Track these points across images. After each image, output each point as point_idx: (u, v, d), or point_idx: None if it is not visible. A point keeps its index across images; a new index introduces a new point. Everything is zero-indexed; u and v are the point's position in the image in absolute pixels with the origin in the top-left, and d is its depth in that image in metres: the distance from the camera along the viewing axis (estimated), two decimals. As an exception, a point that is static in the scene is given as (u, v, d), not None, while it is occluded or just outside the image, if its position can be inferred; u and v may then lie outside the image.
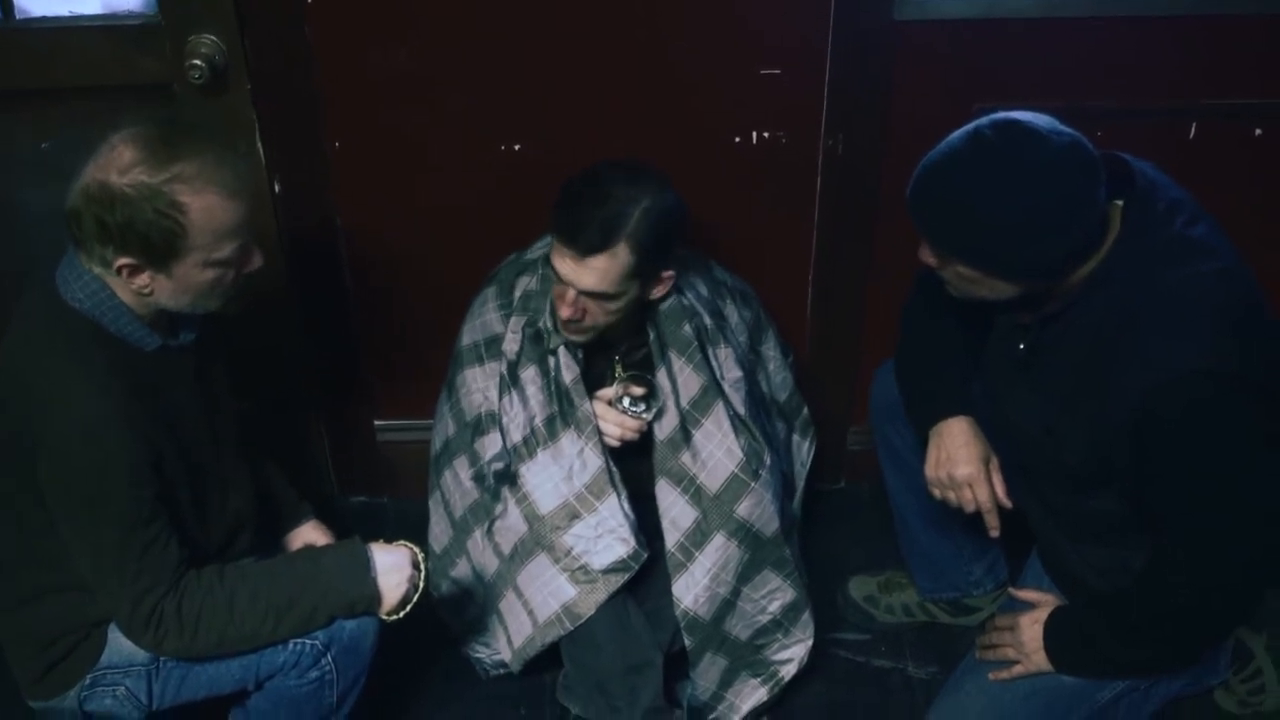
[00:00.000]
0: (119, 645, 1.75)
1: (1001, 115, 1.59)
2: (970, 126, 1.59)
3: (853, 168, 2.25)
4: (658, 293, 1.99)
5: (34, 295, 1.69)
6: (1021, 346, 1.76)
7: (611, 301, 1.91)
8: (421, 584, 1.80)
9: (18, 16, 2.10)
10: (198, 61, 2.03)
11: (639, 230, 1.85)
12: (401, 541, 1.82)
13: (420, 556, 1.81)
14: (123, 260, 1.59)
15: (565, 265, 1.88)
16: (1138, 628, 1.75)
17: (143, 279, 1.62)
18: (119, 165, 1.56)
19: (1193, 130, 2.22)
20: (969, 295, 1.70)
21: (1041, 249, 1.57)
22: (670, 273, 1.98)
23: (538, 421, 2.01)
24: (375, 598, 1.75)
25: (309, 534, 2.05)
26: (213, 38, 2.05)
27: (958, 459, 1.86)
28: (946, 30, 2.14)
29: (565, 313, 1.92)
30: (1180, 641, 1.79)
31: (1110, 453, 1.66)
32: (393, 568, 1.76)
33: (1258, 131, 2.23)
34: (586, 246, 1.85)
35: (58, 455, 1.60)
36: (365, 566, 1.74)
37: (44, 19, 2.11)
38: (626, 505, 2.00)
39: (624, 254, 1.86)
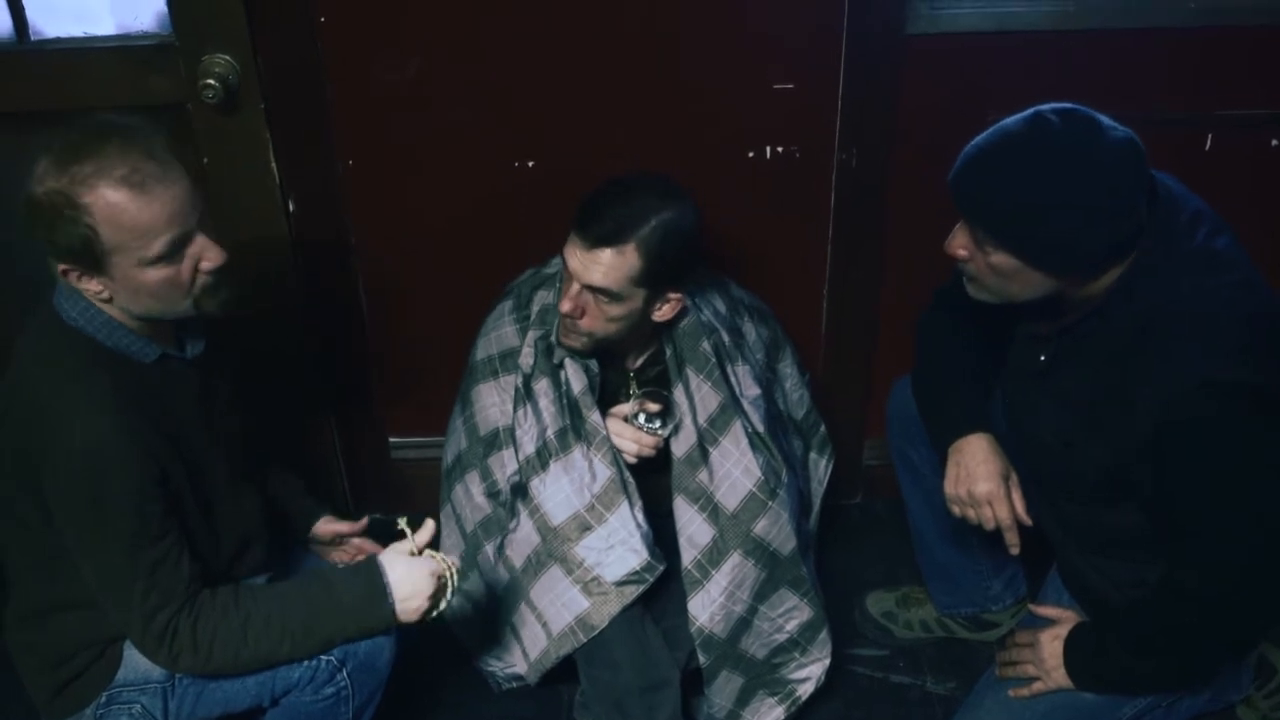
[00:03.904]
0: (134, 662, 1.75)
1: (1063, 104, 1.58)
2: (1030, 111, 1.58)
3: (866, 181, 2.24)
4: (664, 314, 1.97)
5: (39, 314, 1.69)
6: (1041, 358, 1.75)
7: (612, 305, 1.91)
8: (450, 596, 1.77)
9: (32, 38, 2.11)
10: (211, 81, 2.04)
11: (651, 238, 1.85)
12: (430, 552, 1.77)
13: (447, 566, 1.77)
14: (63, 267, 1.57)
15: (575, 258, 1.89)
16: (1155, 641, 1.74)
17: (94, 285, 1.59)
18: (36, 175, 1.52)
19: (1209, 141, 2.22)
20: (997, 292, 1.68)
21: (1088, 237, 1.56)
22: (679, 295, 1.97)
23: (550, 434, 2.01)
24: (391, 623, 1.74)
25: (329, 525, 2.05)
26: (226, 57, 2.06)
27: (977, 476, 1.84)
28: (959, 44, 2.14)
29: (565, 306, 1.92)
30: (1199, 655, 1.77)
31: (1129, 464, 1.65)
32: (411, 594, 1.73)
33: (1274, 142, 2.22)
34: (597, 237, 1.85)
35: (62, 473, 1.59)
36: (382, 594, 1.72)
37: (58, 40, 2.12)
38: (640, 516, 2.00)
39: (632, 256, 1.86)
